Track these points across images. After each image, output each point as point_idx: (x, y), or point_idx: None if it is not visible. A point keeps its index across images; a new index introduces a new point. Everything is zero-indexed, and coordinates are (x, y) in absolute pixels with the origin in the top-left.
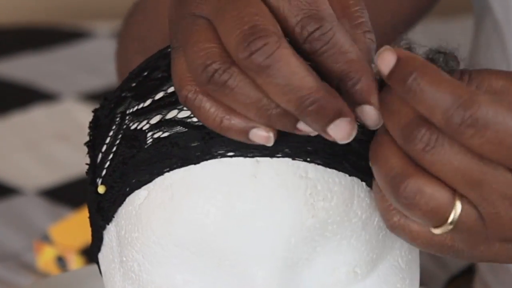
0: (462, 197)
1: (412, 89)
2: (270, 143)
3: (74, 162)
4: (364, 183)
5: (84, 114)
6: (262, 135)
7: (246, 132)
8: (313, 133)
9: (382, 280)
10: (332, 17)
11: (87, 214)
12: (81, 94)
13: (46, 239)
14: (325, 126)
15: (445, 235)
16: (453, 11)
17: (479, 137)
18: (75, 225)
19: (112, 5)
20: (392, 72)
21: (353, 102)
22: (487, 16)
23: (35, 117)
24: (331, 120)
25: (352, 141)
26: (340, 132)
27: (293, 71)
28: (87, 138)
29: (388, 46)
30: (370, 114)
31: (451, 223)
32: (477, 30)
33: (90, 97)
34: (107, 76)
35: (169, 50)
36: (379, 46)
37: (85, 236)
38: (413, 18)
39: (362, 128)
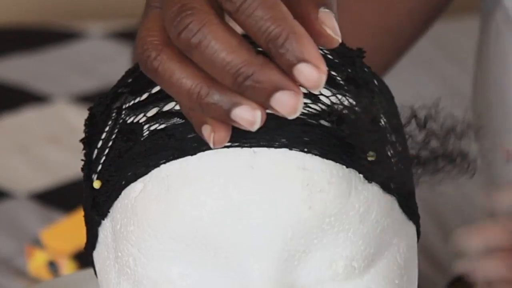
0: None
1: None
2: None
3: (66, 165)
4: (361, 176)
5: (77, 116)
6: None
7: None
8: (243, 126)
9: (380, 275)
10: None
11: (79, 218)
12: (73, 96)
13: (37, 243)
14: (267, 101)
15: None
16: (453, 11)
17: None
18: (67, 229)
19: (105, 5)
20: None
21: (287, 65)
22: (498, 9)
23: (26, 119)
24: (270, 94)
25: (350, 133)
26: (283, 106)
27: (223, 46)
28: (79, 141)
29: None
30: (306, 73)
31: None
32: (485, 21)
33: (83, 99)
34: (100, 77)
35: None
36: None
37: (78, 240)
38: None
39: (361, 120)
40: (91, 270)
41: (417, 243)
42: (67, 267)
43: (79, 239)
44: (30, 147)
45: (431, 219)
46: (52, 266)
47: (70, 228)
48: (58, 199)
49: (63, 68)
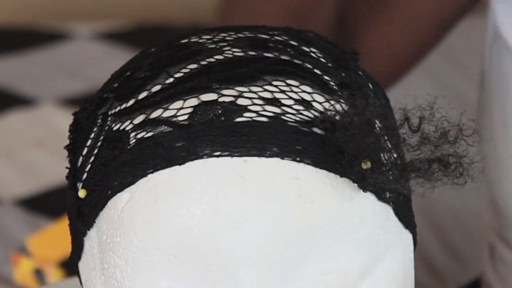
0: None
1: None
2: None
3: (53, 170)
4: (356, 185)
5: (63, 120)
6: None
7: None
8: None
9: (376, 287)
10: None
11: (67, 224)
12: (60, 99)
13: (23, 251)
14: None
15: None
16: None
17: None
18: (54, 236)
19: (93, 5)
20: None
21: None
22: (499, 39)
23: (11, 123)
24: None
25: (343, 140)
26: None
27: None
28: (66, 145)
29: None
30: None
31: None
32: (489, 49)
33: (70, 102)
34: (87, 80)
35: (152, 49)
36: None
37: (64, 247)
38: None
39: (355, 127)
40: (78, 279)
41: (414, 252)
42: (53, 275)
43: (66, 247)
44: (16, 152)
45: (429, 227)
46: (39, 274)
47: (57, 235)
48: (44, 205)
49: (49, 70)
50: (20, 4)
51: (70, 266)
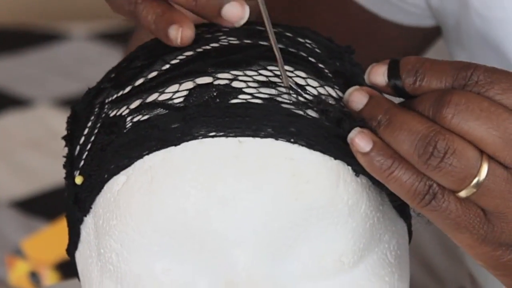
0: (490, 158)
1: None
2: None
3: (49, 172)
4: (350, 168)
5: (59, 121)
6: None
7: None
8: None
9: (370, 272)
10: None
11: (62, 227)
12: (56, 100)
13: (18, 253)
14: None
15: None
16: None
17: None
18: (50, 239)
19: (89, 5)
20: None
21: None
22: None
23: (6, 124)
24: None
25: (338, 124)
26: None
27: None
28: (62, 146)
29: (357, 86)
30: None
31: (475, 184)
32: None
33: (65, 102)
34: (83, 80)
35: (148, 42)
36: None
37: (60, 250)
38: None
39: (350, 114)
40: (74, 281)
41: (409, 246)
42: (49, 277)
43: (62, 249)
44: (11, 153)
45: (429, 227)
46: (34, 276)
47: (53, 238)
48: (40, 207)
49: (45, 70)
50: (15, 4)
51: (66, 269)
